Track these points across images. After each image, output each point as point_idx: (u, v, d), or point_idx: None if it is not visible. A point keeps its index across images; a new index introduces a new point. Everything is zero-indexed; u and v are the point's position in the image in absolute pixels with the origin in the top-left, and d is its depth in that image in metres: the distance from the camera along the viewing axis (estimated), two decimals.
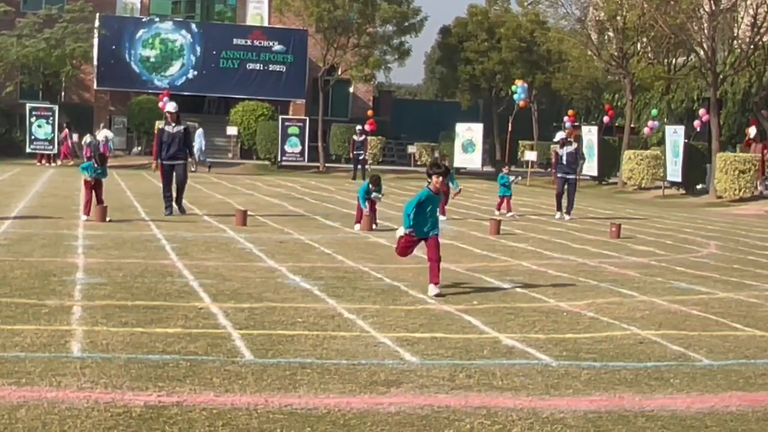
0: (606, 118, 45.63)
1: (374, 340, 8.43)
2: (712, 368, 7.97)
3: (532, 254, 15.80)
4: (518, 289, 11.73)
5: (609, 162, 41.87)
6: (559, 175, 23.72)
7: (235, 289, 10.81)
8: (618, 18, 41.29)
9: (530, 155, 44.92)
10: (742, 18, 37.74)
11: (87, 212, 17.85)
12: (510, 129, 44.82)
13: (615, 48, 43.11)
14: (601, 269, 14.27)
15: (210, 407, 6.13)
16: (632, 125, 44.82)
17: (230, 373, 7.03)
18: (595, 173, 41.54)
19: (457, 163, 46.14)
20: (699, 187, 37.51)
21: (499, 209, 23.94)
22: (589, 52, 44.64)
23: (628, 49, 42.12)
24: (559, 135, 25.01)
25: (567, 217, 23.37)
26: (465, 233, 18.86)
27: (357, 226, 18.65)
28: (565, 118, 45.81)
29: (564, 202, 23.70)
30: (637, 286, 12.49)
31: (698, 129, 40.12)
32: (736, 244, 19.47)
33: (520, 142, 50.68)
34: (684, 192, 37.83)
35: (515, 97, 43.79)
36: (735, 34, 38.68)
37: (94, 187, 18.25)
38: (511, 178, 24.88)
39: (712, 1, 36.37)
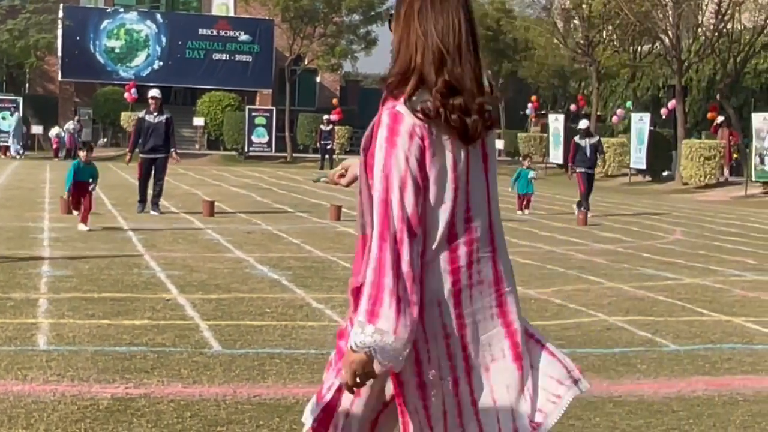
0: (574, 107, 45.86)
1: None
2: (679, 353, 8.03)
3: None
4: None
5: None
6: (580, 170, 21.15)
7: (202, 280, 10.77)
8: (584, 6, 41.47)
9: (497, 143, 45.06)
10: (707, 5, 37.99)
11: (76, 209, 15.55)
12: None
13: (581, 36, 43.31)
14: (569, 256, 14.33)
15: (178, 398, 6.11)
16: (598, 113, 45.03)
17: (198, 364, 7.01)
18: (560, 160, 41.72)
19: None
20: (665, 173, 37.72)
21: (522, 209, 21.37)
22: (555, 41, 44.82)
23: (593, 37, 42.32)
24: (584, 123, 22.40)
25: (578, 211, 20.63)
26: None
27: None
28: (529, 105, 46.05)
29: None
30: (605, 273, 12.55)
31: (664, 116, 40.35)
32: (702, 230, 19.62)
33: None
34: (650, 179, 38.04)
35: None
36: (699, 22, 38.94)
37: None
38: (532, 173, 21.83)
39: None
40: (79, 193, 15.16)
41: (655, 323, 9.22)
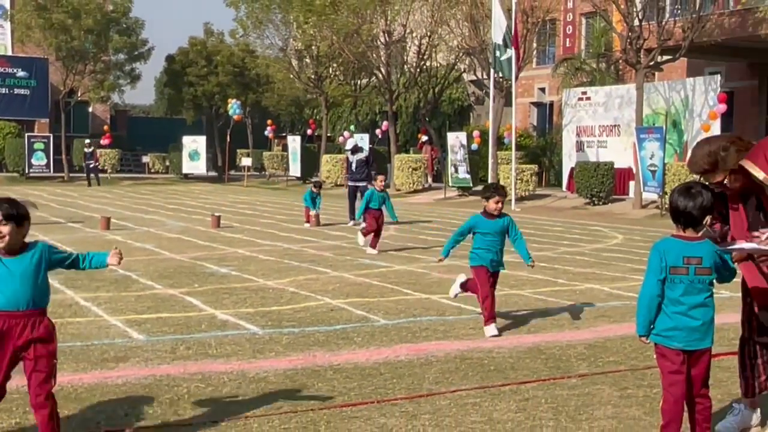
0: (309, 131, 46.27)
1: (106, 323, 8.09)
2: (388, 326, 8.20)
3: (246, 243, 15.70)
4: (233, 273, 11.62)
5: (310, 165, 42.36)
6: (350, 183, 20.28)
7: None
8: (313, 47, 41.76)
9: (246, 161, 44.79)
10: (410, 47, 39.20)
11: None
12: (229, 140, 44.50)
13: (312, 72, 43.60)
14: (303, 252, 14.39)
15: None
16: (328, 134, 45.59)
17: None
18: (299, 174, 41.96)
19: (185, 170, 45.37)
20: None
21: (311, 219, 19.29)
22: (291, 76, 44.93)
23: (322, 72, 42.73)
24: (351, 142, 20.81)
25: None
26: (190, 228, 18.50)
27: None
28: (268, 129, 46.08)
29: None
30: (331, 264, 12.68)
31: (380, 136, 41.30)
32: (410, 226, 20.16)
33: (238, 150, 50.40)
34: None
35: (231, 112, 43.48)
36: (405, 60, 40.10)
37: None
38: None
39: (386, 34, 37.58)
40: None
41: (369, 303, 9.39)
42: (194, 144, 45.25)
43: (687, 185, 4.51)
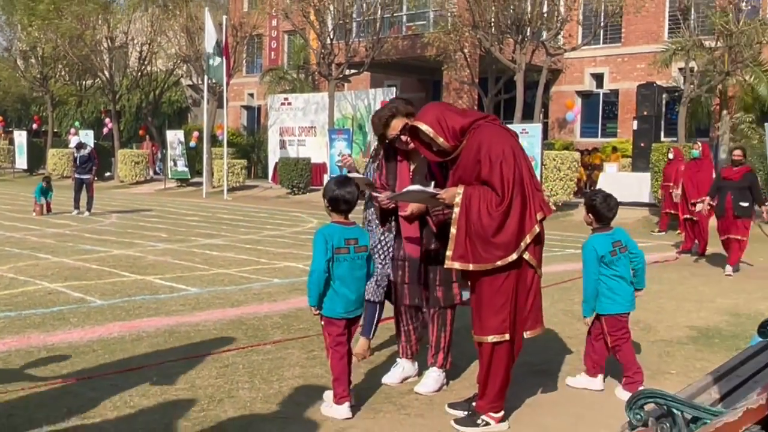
0: (35, 126, 42.89)
1: None
2: (103, 307, 7.74)
3: None
4: None
5: (37, 158, 39.29)
6: (76, 175, 19.01)
7: None
8: (38, 48, 38.69)
9: None
10: (132, 53, 37.47)
11: None
12: None
13: (37, 71, 40.36)
14: (25, 239, 13.26)
15: None
16: (55, 130, 42.53)
17: None
18: (26, 166, 38.78)
19: None
20: (107, 174, 36.61)
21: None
22: (17, 74, 41.34)
23: (47, 72, 39.72)
24: (75, 140, 19.45)
25: (87, 213, 18.41)
26: None
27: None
28: None
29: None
30: (52, 251, 11.79)
31: (105, 133, 39.21)
32: (132, 214, 19.32)
33: None
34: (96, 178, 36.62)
35: None
36: (128, 64, 38.24)
37: None
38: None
39: (109, 40, 35.67)
40: None
41: (87, 286, 8.82)
42: None
43: (340, 177, 4.77)
